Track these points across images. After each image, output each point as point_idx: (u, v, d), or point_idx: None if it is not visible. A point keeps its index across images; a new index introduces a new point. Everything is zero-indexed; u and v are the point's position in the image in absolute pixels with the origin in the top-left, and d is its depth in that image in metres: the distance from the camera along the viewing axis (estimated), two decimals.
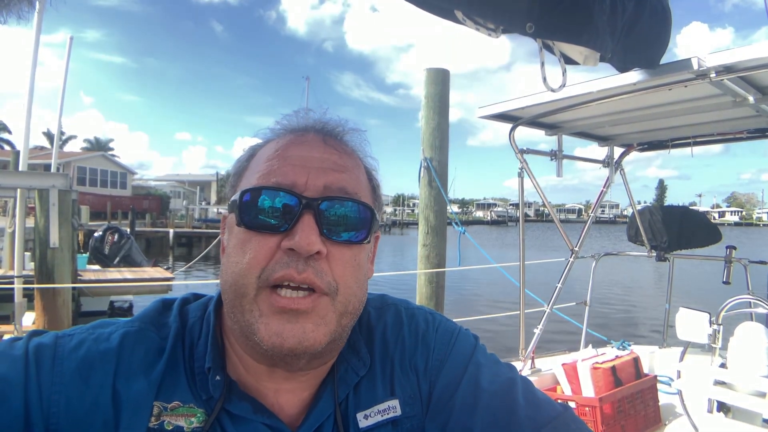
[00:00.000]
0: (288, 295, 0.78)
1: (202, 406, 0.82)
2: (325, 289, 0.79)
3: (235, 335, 0.85)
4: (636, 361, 4.04)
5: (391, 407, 0.92)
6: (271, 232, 0.79)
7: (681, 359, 3.68)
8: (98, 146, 68.76)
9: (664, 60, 2.42)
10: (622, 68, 2.23)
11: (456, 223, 6.90)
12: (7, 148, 49.05)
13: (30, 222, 9.92)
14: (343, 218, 0.82)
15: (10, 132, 56.28)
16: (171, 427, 0.80)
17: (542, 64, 1.78)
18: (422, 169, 6.24)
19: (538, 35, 1.56)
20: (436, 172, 6.11)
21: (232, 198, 0.84)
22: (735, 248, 4.32)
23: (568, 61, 1.86)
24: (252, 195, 0.81)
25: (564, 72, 1.88)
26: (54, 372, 0.78)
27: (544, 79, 1.82)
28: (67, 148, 60.15)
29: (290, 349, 0.77)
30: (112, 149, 71.02)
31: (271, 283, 0.77)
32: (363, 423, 0.89)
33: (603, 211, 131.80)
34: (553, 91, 1.87)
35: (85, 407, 0.77)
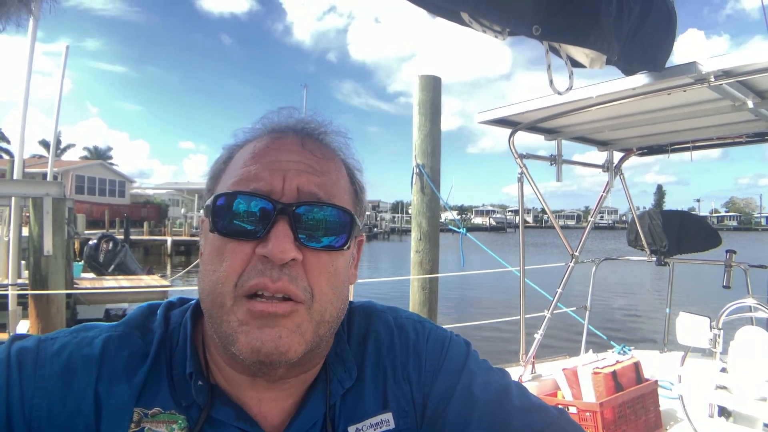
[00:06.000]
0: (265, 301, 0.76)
1: (183, 413, 0.81)
2: (301, 296, 0.76)
3: (214, 344, 0.84)
4: (636, 365, 4.02)
5: (384, 421, 0.91)
6: (246, 238, 0.77)
7: (682, 364, 3.67)
8: (97, 155, 68.83)
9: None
10: (628, 71, 2.22)
11: (457, 226, 6.90)
12: (5, 157, 48.95)
13: (26, 230, 9.89)
14: (320, 223, 0.79)
15: (8, 141, 56.26)
16: None
17: (548, 67, 1.77)
18: (414, 175, 6.23)
19: (544, 37, 1.55)
20: (429, 178, 6.11)
21: (206, 202, 0.82)
22: (735, 252, 4.32)
23: (574, 63, 1.85)
24: (226, 200, 0.79)
25: (571, 75, 1.86)
26: (36, 376, 0.77)
27: (551, 82, 1.81)
28: (65, 157, 60.21)
29: (267, 354, 0.75)
30: (111, 158, 71.11)
31: (246, 292, 0.75)
32: None
33: (602, 216, 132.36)
34: (559, 94, 1.86)
35: (67, 412, 0.76)
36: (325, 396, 0.88)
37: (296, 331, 0.77)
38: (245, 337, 0.75)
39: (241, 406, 0.83)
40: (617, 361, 4.00)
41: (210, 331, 0.83)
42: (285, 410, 0.87)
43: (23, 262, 9.95)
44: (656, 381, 4.10)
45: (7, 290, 8.49)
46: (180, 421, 0.80)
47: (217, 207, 0.79)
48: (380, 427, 0.90)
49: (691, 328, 3.45)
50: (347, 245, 0.83)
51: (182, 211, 55.19)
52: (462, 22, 1.49)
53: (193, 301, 0.93)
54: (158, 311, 0.92)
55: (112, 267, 15.70)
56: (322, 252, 0.80)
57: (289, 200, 0.78)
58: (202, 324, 0.88)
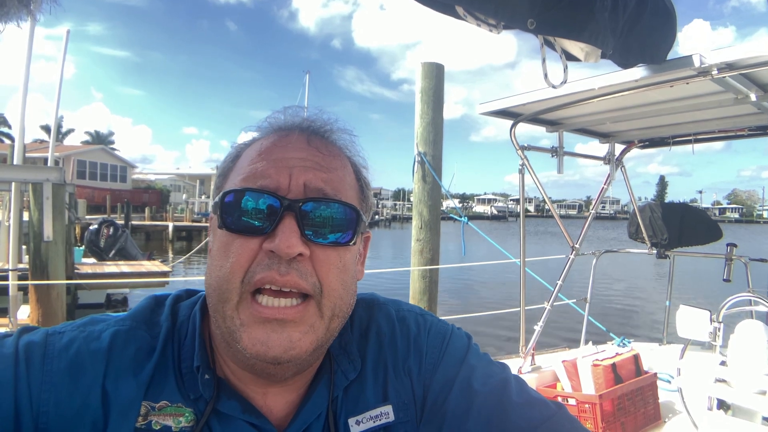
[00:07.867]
0: (270, 303, 0.76)
1: (190, 406, 0.81)
2: (309, 290, 0.77)
3: (218, 340, 0.85)
4: (636, 358, 4.03)
5: (384, 413, 0.91)
6: (253, 234, 0.78)
7: (681, 357, 3.68)
8: (99, 140, 68.71)
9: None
10: (625, 65, 2.21)
11: (458, 214, 6.90)
12: (7, 141, 48.93)
13: (26, 215, 9.88)
14: (326, 220, 0.80)
15: (9, 126, 56.23)
16: (159, 427, 0.79)
17: (543, 61, 1.77)
18: (416, 163, 6.20)
19: (539, 31, 1.54)
20: (431, 166, 6.08)
21: (215, 199, 0.83)
22: (736, 246, 4.32)
23: (569, 57, 1.84)
24: (234, 196, 0.80)
25: (565, 68, 1.87)
26: (44, 371, 0.77)
27: (546, 76, 1.81)
28: (67, 142, 60.19)
29: (275, 357, 0.76)
30: (113, 143, 71.01)
31: (253, 286, 0.76)
32: (355, 429, 0.89)
33: (603, 207, 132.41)
34: (554, 87, 1.86)
35: (75, 407, 0.76)
36: (329, 388, 0.89)
37: (309, 331, 0.79)
38: (249, 338, 0.76)
39: (247, 399, 0.85)
40: (617, 354, 4.01)
41: (214, 326, 0.84)
42: (290, 403, 0.88)
43: (24, 247, 9.98)
44: (655, 374, 4.11)
45: (8, 275, 8.51)
46: (187, 414, 0.81)
47: (225, 204, 0.81)
48: (380, 420, 0.91)
49: (691, 321, 3.45)
50: (353, 241, 0.84)
51: (184, 196, 55.36)
52: (457, 16, 1.48)
53: (201, 293, 0.94)
54: (166, 303, 0.92)
55: (113, 252, 15.70)
56: (329, 248, 0.81)
57: (295, 196, 0.79)
58: (210, 317, 0.88)
